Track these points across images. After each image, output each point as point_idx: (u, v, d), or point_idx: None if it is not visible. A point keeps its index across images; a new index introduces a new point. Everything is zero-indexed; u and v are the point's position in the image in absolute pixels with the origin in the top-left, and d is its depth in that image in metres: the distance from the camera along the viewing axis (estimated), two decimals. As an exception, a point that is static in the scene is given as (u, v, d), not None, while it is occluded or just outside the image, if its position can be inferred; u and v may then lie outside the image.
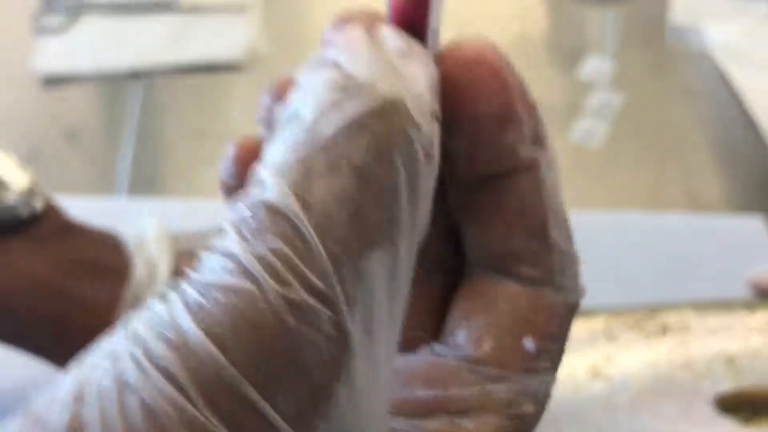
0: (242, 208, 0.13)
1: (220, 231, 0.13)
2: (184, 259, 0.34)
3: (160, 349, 0.11)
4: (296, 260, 0.12)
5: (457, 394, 0.15)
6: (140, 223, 0.36)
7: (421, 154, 0.13)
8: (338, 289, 0.12)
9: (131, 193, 0.51)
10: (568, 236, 0.16)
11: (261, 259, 0.12)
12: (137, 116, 0.56)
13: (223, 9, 0.63)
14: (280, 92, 0.15)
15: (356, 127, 0.13)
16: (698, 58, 0.60)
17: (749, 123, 0.55)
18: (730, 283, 0.37)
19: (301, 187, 0.13)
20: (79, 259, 0.34)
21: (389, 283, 0.13)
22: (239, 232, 0.12)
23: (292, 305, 0.12)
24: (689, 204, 0.47)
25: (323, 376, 0.12)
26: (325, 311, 0.12)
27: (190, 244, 0.35)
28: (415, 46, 0.15)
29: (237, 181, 0.16)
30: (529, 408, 0.15)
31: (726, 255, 0.42)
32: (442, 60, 0.15)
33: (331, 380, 0.12)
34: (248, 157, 0.16)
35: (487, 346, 0.15)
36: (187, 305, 0.12)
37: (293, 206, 0.12)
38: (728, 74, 0.58)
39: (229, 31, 0.61)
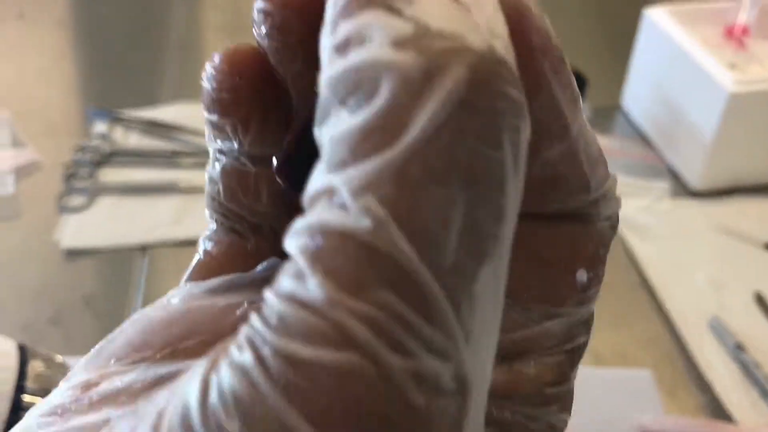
0: (316, 237, 0.10)
1: (289, 262, 0.10)
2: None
3: None
4: (413, 317, 0.09)
5: (512, 338, 0.13)
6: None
7: (522, 121, 0.11)
8: (458, 331, 0.10)
9: (140, 352, 0.60)
10: (603, 158, 0.14)
11: (369, 322, 0.09)
12: (144, 284, 0.67)
13: (216, 190, 0.75)
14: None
15: (462, 110, 0.10)
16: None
17: (645, 287, 0.67)
18: (620, 430, 0.46)
19: (397, 209, 0.09)
20: None
21: (496, 292, 0.11)
22: (326, 276, 0.09)
23: (418, 377, 0.09)
24: (585, 357, 0.58)
25: None
26: (449, 367, 0.10)
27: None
28: None
29: (224, 94, 0.15)
30: (582, 338, 0.14)
31: (616, 404, 0.51)
32: None
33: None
34: (239, 61, 0.15)
35: (540, 285, 0.14)
36: (274, 380, 0.09)
37: (396, 239, 0.09)
38: (628, 243, 0.71)
39: (222, 210, 0.73)
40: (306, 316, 0.09)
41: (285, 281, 0.10)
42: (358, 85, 0.10)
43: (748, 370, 0.60)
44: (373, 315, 0.09)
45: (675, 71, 0.77)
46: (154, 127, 0.81)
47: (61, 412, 0.13)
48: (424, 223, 0.09)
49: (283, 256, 0.10)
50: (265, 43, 0.14)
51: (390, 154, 0.10)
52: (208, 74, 0.15)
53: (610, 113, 0.86)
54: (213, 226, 0.16)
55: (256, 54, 0.15)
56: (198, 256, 0.16)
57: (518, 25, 0.12)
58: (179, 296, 0.15)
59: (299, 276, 0.09)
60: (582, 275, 0.14)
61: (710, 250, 0.71)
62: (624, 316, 0.64)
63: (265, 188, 0.16)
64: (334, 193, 0.10)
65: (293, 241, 0.10)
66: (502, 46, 0.11)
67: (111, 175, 0.76)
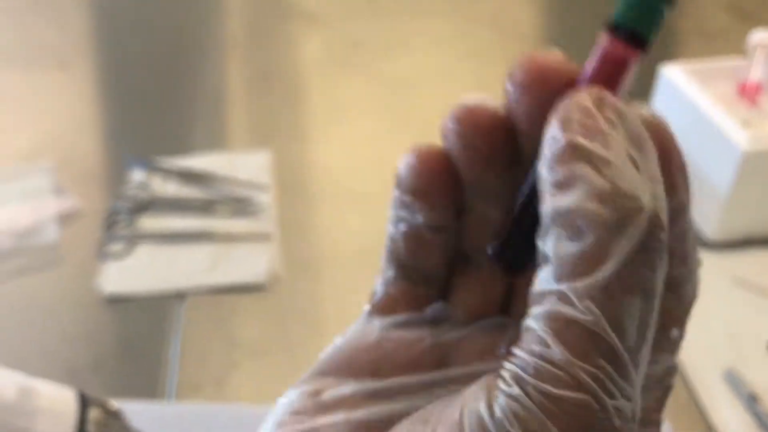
0: (555, 320, 0.15)
1: (534, 334, 0.16)
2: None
3: None
4: (616, 376, 0.15)
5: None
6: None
7: (666, 253, 0.16)
8: (636, 383, 0.16)
9: (178, 397, 0.64)
10: (696, 249, 0.19)
11: (593, 376, 0.15)
12: (181, 329, 0.70)
13: (250, 238, 0.78)
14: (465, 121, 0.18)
15: (642, 248, 0.16)
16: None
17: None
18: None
19: (605, 310, 0.15)
20: None
21: (646, 357, 0.16)
22: (565, 346, 0.15)
23: (618, 411, 0.15)
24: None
25: None
26: (632, 405, 0.15)
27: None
28: (641, 128, 0.17)
29: (416, 183, 0.19)
30: (673, 379, 0.19)
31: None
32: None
33: None
34: (431, 163, 0.19)
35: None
36: (537, 405, 0.15)
37: (606, 328, 0.15)
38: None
39: (255, 258, 0.76)
40: (554, 369, 0.15)
41: (533, 346, 0.16)
42: (572, 221, 0.16)
43: (761, 420, 0.62)
44: (594, 372, 0.15)
45: (690, 127, 0.80)
46: (190, 176, 0.85)
47: (302, 412, 0.18)
48: (620, 320, 0.15)
49: (445, 298, 0.20)
50: (453, 151, 0.19)
51: (599, 275, 0.16)
52: (404, 164, 0.20)
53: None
54: (391, 272, 0.21)
55: (444, 156, 0.20)
56: (377, 295, 0.21)
57: (666, 147, 0.18)
58: (371, 326, 0.20)
59: (543, 343, 0.16)
60: (674, 332, 0.19)
61: (725, 301, 0.73)
62: (642, 367, 0.66)
63: (435, 251, 0.20)
64: (564, 295, 0.16)
65: (535, 322, 0.16)
66: (661, 200, 0.16)
67: (149, 222, 0.80)
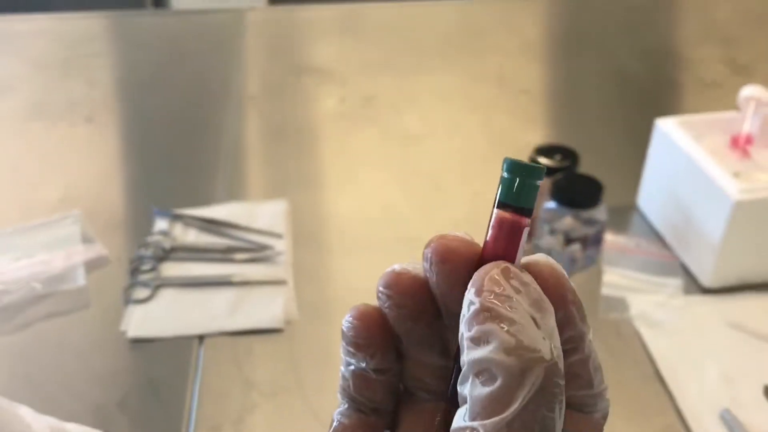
0: None
1: None
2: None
3: None
4: None
5: None
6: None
7: (563, 394, 0.20)
8: None
9: (198, 435, 0.67)
10: (601, 373, 0.23)
11: None
12: (201, 371, 0.74)
13: (266, 284, 0.83)
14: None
15: (541, 392, 0.19)
16: (621, 323, 0.78)
17: (659, 380, 0.72)
18: None
19: None
20: None
21: None
22: None
23: None
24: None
25: None
26: None
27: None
28: (540, 292, 0.21)
29: (358, 339, 0.23)
30: None
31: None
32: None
33: None
34: (368, 320, 0.23)
35: None
36: None
37: None
38: (643, 338, 0.77)
39: (271, 303, 0.80)
40: None
41: None
42: (485, 369, 0.19)
43: (757, 460, 0.65)
44: None
45: (684, 177, 0.84)
46: (210, 225, 0.90)
47: None
48: None
49: (394, 427, 0.24)
50: (386, 310, 0.24)
51: (505, 416, 0.19)
52: (346, 323, 0.24)
53: (626, 213, 0.93)
54: (344, 405, 0.25)
55: (379, 313, 0.24)
56: (334, 425, 0.25)
57: (559, 286, 0.22)
58: None
59: None
60: None
61: (721, 344, 0.77)
62: (638, 408, 0.69)
63: (380, 388, 0.24)
64: (474, 430, 0.19)
65: None
66: (558, 352, 0.20)
67: (171, 269, 0.84)
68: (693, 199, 0.83)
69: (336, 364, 0.74)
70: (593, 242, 0.83)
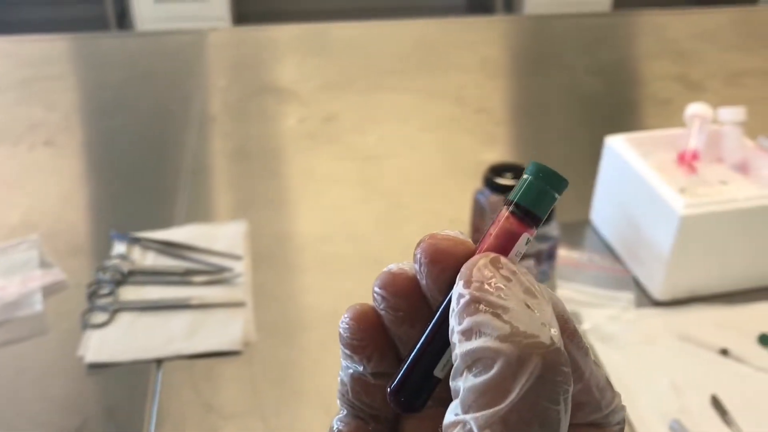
0: None
1: None
2: None
3: None
4: None
5: None
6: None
7: (570, 384, 0.18)
8: None
9: (155, 459, 0.67)
10: (610, 384, 0.21)
11: None
12: (158, 395, 0.74)
13: (225, 306, 0.83)
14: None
15: (540, 381, 0.17)
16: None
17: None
18: None
19: None
20: None
21: None
22: None
23: None
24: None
25: None
26: None
27: None
28: (533, 280, 0.19)
29: (354, 341, 0.22)
30: None
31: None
32: None
33: None
34: (364, 321, 0.22)
35: None
36: None
37: None
38: (595, 350, 0.78)
39: (230, 325, 0.80)
40: None
41: None
42: (479, 360, 0.18)
43: (704, 469, 0.67)
44: None
45: (633, 193, 0.87)
46: (169, 247, 0.90)
47: None
48: None
49: None
50: (381, 312, 0.23)
51: (500, 408, 0.17)
52: (343, 324, 0.23)
53: (580, 228, 0.95)
54: (343, 411, 0.24)
55: (375, 314, 0.23)
56: (333, 431, 0.24)
57: (556, 311, 0.20)
58: None
59: None
60: None
61: (671, 356, 0.79)
62: (589, 420, 0.70)
63: (379, 393, 0.23)
64: (466, 424, 0.18)
65: None
66: (557, 336, 0.18)
67: (130, 293, 0.84)
68: (642, 215, 0.86)
69: (294, 384, 0.75)
70: (547, 258, 0.85)
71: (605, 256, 0.91)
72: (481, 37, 1.49)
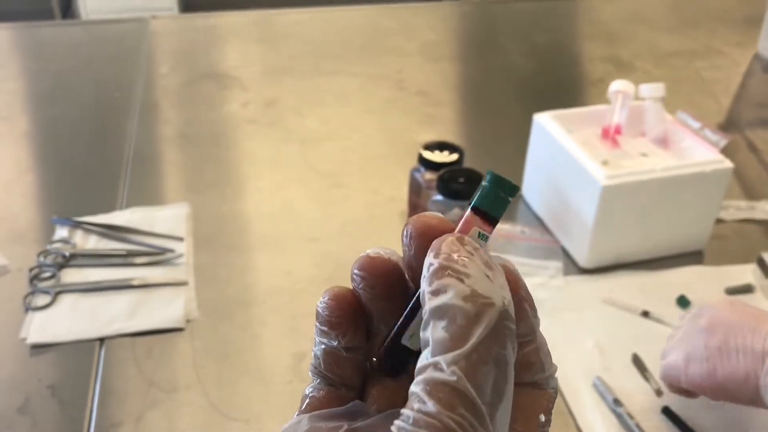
0: (429, 384, 0.21)
1: (416, 396, 0.21)
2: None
3: None
4: (476, 423, 0.21)
5: None
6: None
7: (514, 337, 0.23)
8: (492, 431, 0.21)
9: (98, 433, 0.69)
10: (550, 357, 0.26)
11: (457, 422, 0.20)
12: (101, 373, 0.76)
13: (167, 286, 0.85)
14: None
15: (494, 331, 0.22)
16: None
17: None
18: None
19: (467, 373, 0.21)
20: None
21: (507, 414, 0.22)
22: (437, 401, 0.20)
23: None
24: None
25: None
26: None
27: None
28: (490, 257, 0.24)
29: (332, 318, 0.26)
30: None
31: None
32: None
33: None
34: (341, 301, 0.26)
35: (521, 419, 0.25)
36: None
37: (467, 386, 0.21)
38: (525, 317, 0.82)
39: (171, 304, 0.82)
40: (428, 419, 0.20)
41: (414, 404, 0.21)
42: (445, 314, 0.22)
43: (623, 421, 0.71)
44: (459, 420, 0.20)
45: (559, 167, 0.91)
46: (110, 231, 0.91)
47: None
48: (478, 381, 0.21)
49: (362, 399, 0.26)
50: (359, 291, 0.26)
51: (463, 350, 0.21)
52: (321, 303, 0.26)
53: (513, 202, 0.99)
54: (316, 380, 0.28)
55: (352, 294, 0.26)
56: (306, 400, 0.27)
57: (515, 284, 0.25)
58: (300, 424, 0.26)
59: (421, 401, 0.21)
60: (542, 417, 0.25)
61: (596, 319, 0.83)
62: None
63: (349, 366, 0.27)
64: (437, 364, 0.21)
65: (416, 387, 0.21)
66: (508, 301, 0.23)
67: (72, 275, 0.85)
68: (568, 187, 0.90)
69: (234, 359, 0.77)
70: (479, 231, 0.89)
71: (536, 228, 0.95)
72: (423, 22, 1.52)
